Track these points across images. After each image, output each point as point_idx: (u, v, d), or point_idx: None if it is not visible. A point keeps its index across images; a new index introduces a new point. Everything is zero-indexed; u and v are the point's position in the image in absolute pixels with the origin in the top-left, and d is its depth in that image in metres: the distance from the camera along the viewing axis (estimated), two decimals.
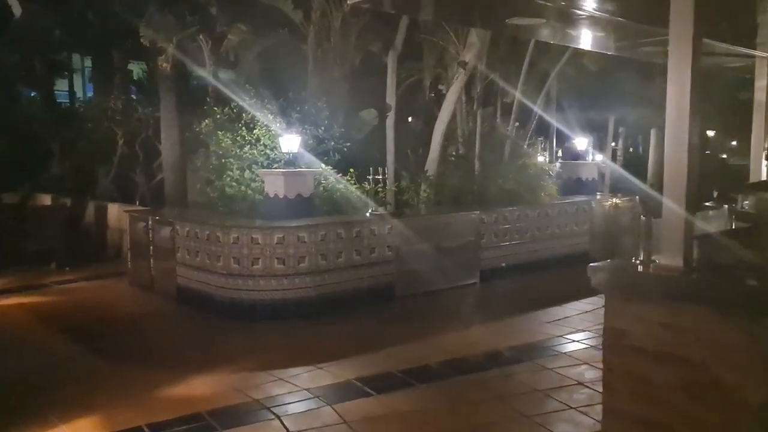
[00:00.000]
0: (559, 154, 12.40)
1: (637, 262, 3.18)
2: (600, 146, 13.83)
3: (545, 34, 5.87)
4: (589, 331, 6.44)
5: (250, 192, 8.12)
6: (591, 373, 5.22)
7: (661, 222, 3.22)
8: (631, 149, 24.44)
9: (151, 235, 8.24)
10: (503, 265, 9.01)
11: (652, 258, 3.16)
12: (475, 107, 10.85)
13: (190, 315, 7.40)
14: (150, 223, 8.27)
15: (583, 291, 7.95)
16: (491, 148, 10.62)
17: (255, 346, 6.21)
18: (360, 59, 11.43)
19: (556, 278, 9.14)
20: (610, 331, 3.15)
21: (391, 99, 10.75)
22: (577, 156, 12.11)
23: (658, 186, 3.73)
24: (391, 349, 5.98)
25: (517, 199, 9.97)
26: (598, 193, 11.36)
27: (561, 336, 6.34)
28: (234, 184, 8.24)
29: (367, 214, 7.83)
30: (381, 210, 7.99)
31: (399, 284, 7.82)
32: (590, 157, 12.04)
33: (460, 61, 9.92)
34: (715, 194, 6.18)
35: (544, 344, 6.12)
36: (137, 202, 11.87)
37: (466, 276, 8.57)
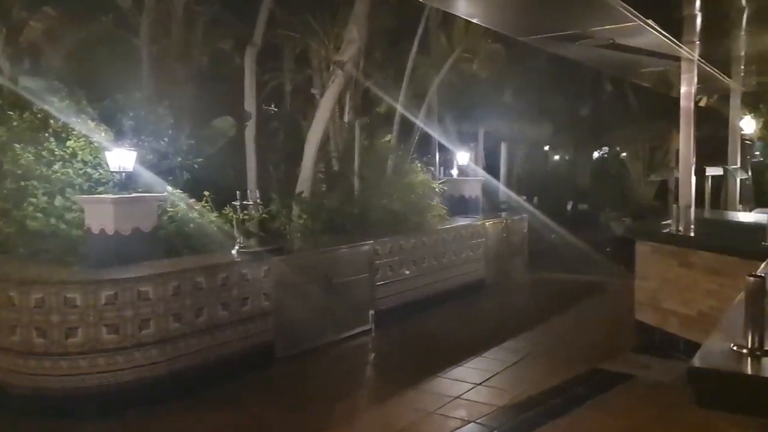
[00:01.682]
0: (453, 170, 11.22)
1: None
2: (475, 160, 12.94)
3: None
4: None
5: (63, 226, 5.78)
6: None
7: None
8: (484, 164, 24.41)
9: None
10: (399, 303, 7.49)
11: None
12: (351, 116, 9.28)
13: None
14: None
15: (484, 337, 6.91)
16: (372, 164, 9.10)
17: None
18: (210, 57, 9.41)
19: (457, 316, 7.84)
20: None
21: (250, 105, 8.81)
22: (459, 171, 11.02)
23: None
24: None
25: (403, 223, 8.54)
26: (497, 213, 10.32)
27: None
28: (39, 215, 5.86)
29: (235, 252, 5.90)
30: (253, 245, 6.10)
31: (279, 342, 5.96)
32: (473, 173, 11.00)
33: (337, 60, 8.30)
34: None
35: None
36: None
37: (359, 321, 6.90)
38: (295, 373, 5.78)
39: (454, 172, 13.44)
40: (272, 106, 10.31)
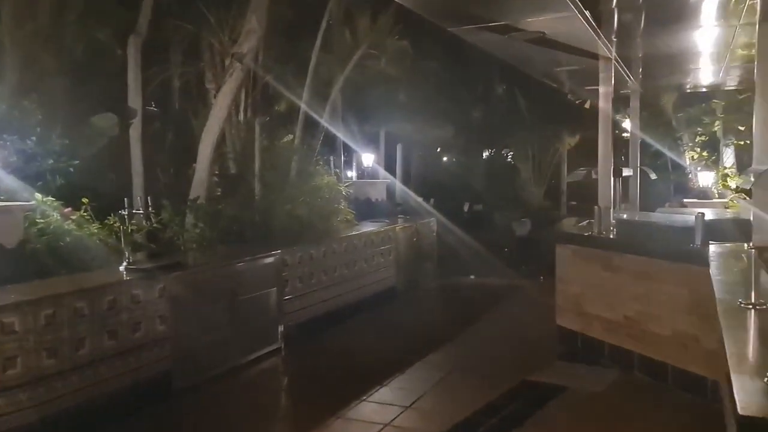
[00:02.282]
0: (351, 171, 10.71)
1: None
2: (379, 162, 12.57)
3: None
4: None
5: None
6: None
7: None
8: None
9: None
10: (310, 317, 6.89)
11: None
12: (250, 114, 8.55)
13: None
14: None
15: (403, 352, 6.43)
16: (274, 166, 8.42)
17: None
18: (87, 47, 8.31)
19: (372, 328, 7.37)
20: None
21: (135, 102, 7.86)
22: (363, 173, 10.57)
23: None
24: None
25: (310, 229, 7.97)
26: (399, 216, 9.93)
27: None
28: None
29: (123, 270, 5.06)
30: (144, 260, 5.28)
31: (178, 371, 5.19)
32: (379, 175, 10.59)
33: (236, 52, 7.55)
34: None
35: None
36: None
37: (267, 340, 6.24)
38: (196, 405, 5.04)
39: (352, 173, 13.02)
40: (159, 103, 9.32)
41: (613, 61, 5.99)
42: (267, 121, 9.18)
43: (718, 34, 6.78)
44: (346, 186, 9.13)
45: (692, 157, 12.46)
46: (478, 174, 21.85)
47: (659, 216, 6.21)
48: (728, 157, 12.56)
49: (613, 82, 6.02)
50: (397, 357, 6.06)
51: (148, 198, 5.97)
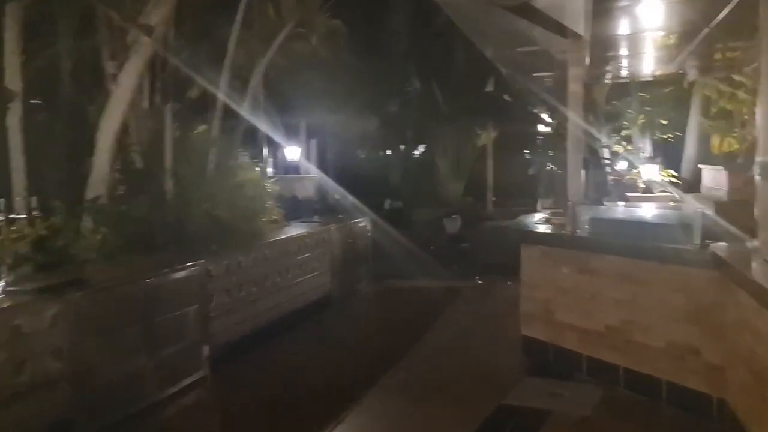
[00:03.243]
0: (269, 168, 9.67)
1: None
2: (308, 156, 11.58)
3: None
4: None
5: None
6: None
7: None
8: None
9: None
10: (240, 336, 5.88)
11: None
12: (160, 101, 7.36)
13: None
14: None
15: (353, 373, 5.47)
16: (188, 160, 7.29)
17: None
18: None
19: (312, 344, 6.48)
20: None
21: (14, 82, 6.49)
22: (289, 168, 9.59)
23: None
24: None
25: (232, 232, 6.95)
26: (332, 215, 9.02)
27: None
28: None
29: (0, 293, 3.89)
30: (29, 278, 4.11)
31: (81, 416, 4.08)
32: (307, 170, 9.64)
33: (142, 24, 6.37)
34: None
35: None
36: None
37: (190, 367, 5.18)
38: None
39: (270, 169, 11.99)
40: (46, 85, 7.89)
41: (588, 41, 5.41)
42: (179, 109, 8.02)
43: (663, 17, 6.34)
44: (271, 182, 8.12)
45: (619, 150, 12.34)
46: (396, 169, 21.29)
47: (630, 212, 5.73)
48: (647, 151, 12.58)
49: (587, 62, 5.43)
50: (347, 381, 5.22)
51: (33, 199, 4.78)
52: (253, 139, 9.11)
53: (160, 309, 4.83)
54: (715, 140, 11.47)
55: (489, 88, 19.66)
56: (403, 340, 6.32)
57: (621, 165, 12.42)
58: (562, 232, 5.32)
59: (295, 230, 7.48)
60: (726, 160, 9.73)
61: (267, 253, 6.34)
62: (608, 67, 8.47)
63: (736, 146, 10.95)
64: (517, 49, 5.94)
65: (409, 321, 7.26)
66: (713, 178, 7.26)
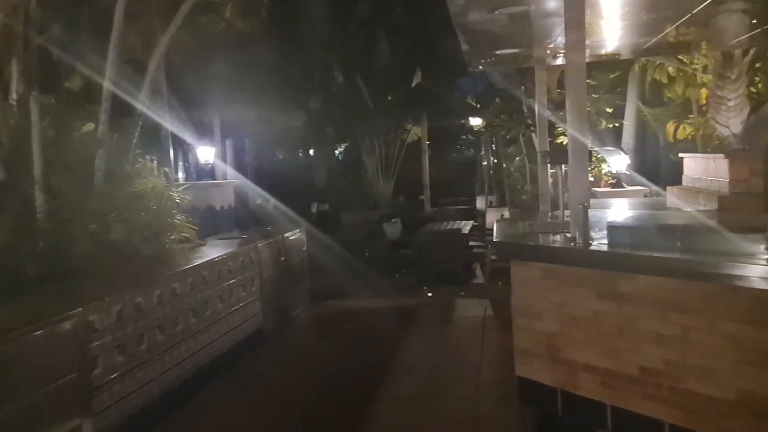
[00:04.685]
0: (180, 173, 7.98)
1: None
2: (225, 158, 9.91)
3: None
4: None
5: None
6: None
7: None
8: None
9: None
10: (140, 406, 4.28)
11: None
12: (23, 90, 5.59)
13: None
14: None
15: None
16: (67, 167, 5.58)
17: None
18: None
19: (242, 407, 4.92)
20: None
21: None
22: (202, 173, 7.96)
23: None
24: None
25: (130, 259, 5.36)
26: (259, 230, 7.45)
27: None
28: None
29: None
30: None
31: None
32: (224, 174, 8.04)
33: None
34: None
35: None
36: None
37: None
38: None
39: (180, 175, 10.39)
40: None
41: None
42: (52, 103, 6.26)
43: None
44: (181, 190, 6.48)
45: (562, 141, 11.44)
46: (321, 170, 19.84)
47: (655, 217, 4.60)
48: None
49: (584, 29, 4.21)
50: None
51: None
52: (155, 139, 7.41)
53: (14, 388, 3.20)
54: (670, 127, 10.79)
55: (416, 80, 18.58)
56: (362, 391, 4.91)
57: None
58: (572, 244, 4.07)
59: (213, 251, 5.91)
60: (698, 148, 8.96)
61: (177, 287, 4.76)
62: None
63: (691, 132, 10.27)
64: (498, 11, 4.67)
65: (363, 360, 5.84)
66: (705, 167, 6.29)
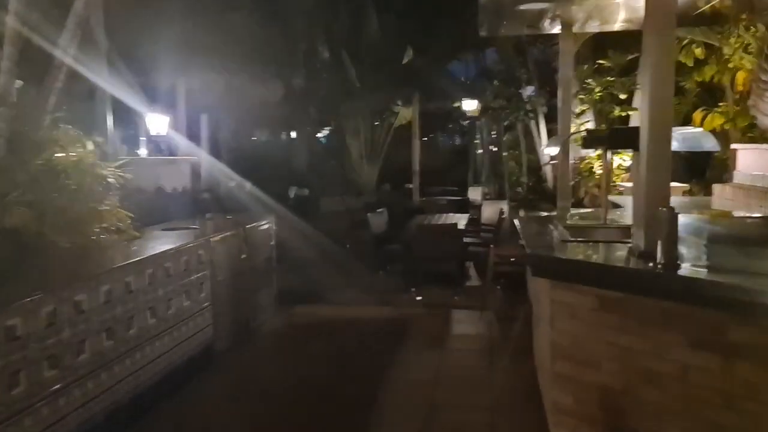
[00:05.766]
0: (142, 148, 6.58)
1: None
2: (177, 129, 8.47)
3: None
4: None
5: None
6: None
7: None
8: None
9: None
10: None
11: None
12: None
13: None
14: None
15: None
16: None
17: None
18: None
19: None
20: None
21: None
22: (159, 148, 6.59)
23: None
24: None
25: (39, 253, 4.00)
26: (207, 215, 6.08)
27: None
28: None
29: None
30: None
31: None
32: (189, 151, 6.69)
33: None
34: None
35: None
36: None
37: None
38: None
39: (143, 151, 9.04)
40: None
41: None
42: None
43: None
44: (117, 166, 5.07)
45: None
46: (301, 152, 18.53)
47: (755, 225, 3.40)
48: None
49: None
50: None
51: None
52: (87, 101, 5.98)
53: None
54: (697, 117, 9.61)
55: (407, 58, 17.28)
56: None
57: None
58: (651, 265, 2.80)
59: (153, 246, 4.56)
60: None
61: (82, 301, 3.40)
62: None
63: (721, 122, 9.08)
64: None
65: (336, 394, 4.54)
66: None
